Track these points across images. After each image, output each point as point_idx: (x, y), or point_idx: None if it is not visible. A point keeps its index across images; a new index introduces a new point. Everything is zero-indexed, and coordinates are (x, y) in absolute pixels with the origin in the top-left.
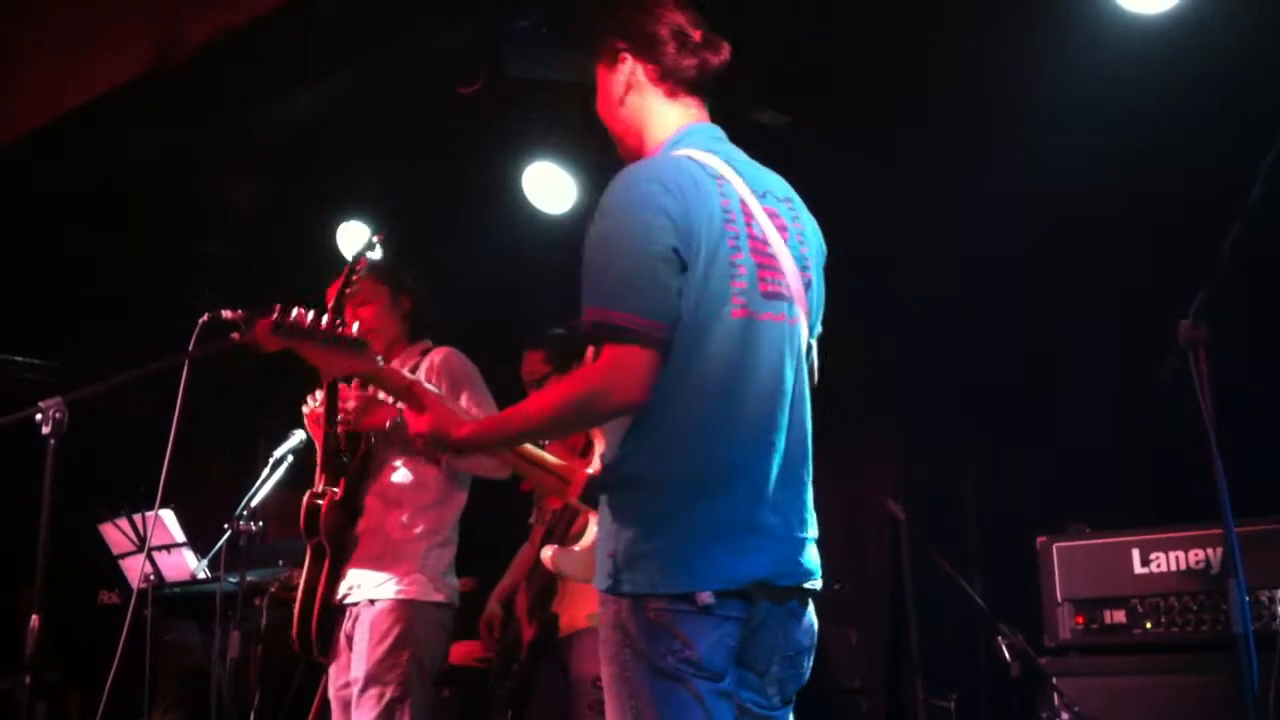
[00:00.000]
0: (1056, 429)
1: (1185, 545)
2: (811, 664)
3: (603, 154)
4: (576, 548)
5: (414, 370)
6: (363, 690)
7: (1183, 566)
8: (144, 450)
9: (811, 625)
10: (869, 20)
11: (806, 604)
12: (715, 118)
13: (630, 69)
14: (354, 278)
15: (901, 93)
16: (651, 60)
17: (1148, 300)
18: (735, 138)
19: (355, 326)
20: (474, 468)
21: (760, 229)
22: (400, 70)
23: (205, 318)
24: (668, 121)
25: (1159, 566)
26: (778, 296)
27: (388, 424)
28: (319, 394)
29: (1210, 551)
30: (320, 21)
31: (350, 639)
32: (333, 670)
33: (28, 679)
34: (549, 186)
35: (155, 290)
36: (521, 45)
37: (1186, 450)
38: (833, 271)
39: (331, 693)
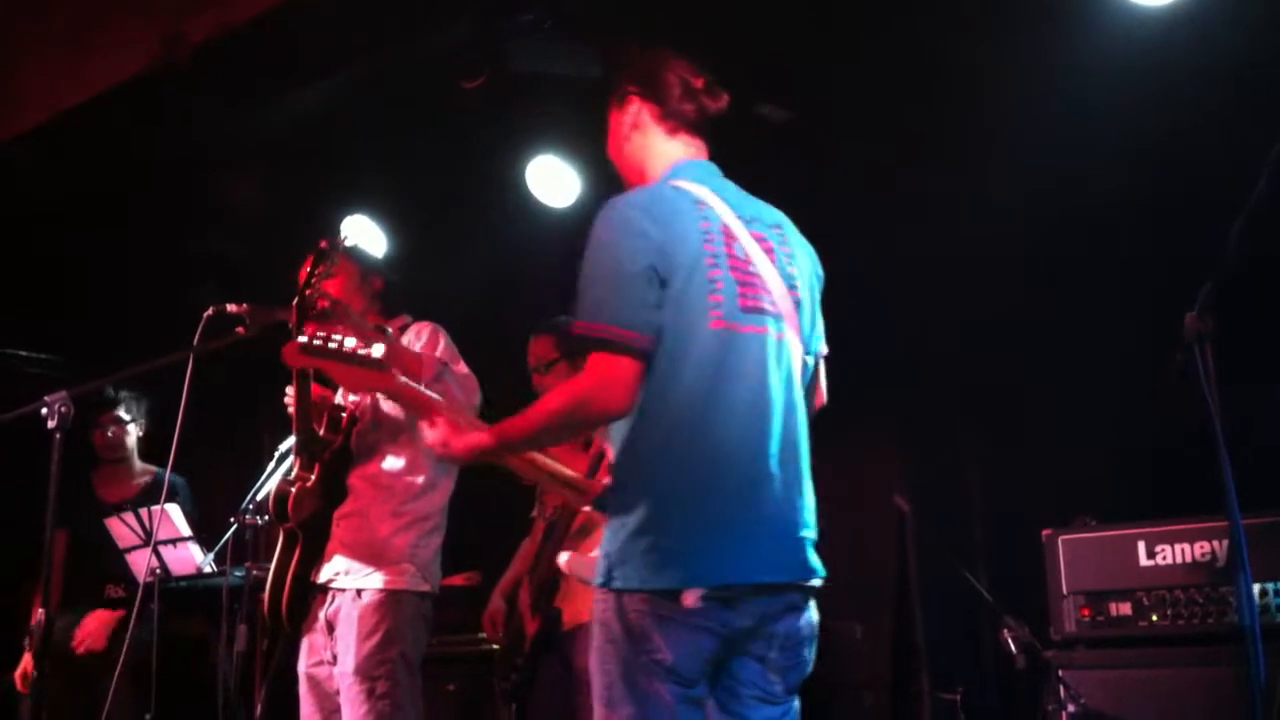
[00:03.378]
0: (1062, 422)
1: (1191, 538)
2: (813, 656)
3: (605, 149)
4: (592, 554)
5: None
6: (351, 684)
7: (1189, 559)
8: (150, 444)
9: (811, 620)
10: (869, 15)
11: (807, 600)
12: (719, 116)
13: (636, 109)
14: (324, 264)
15: (902, 89)
16: (656, 102)
17: (1153, 293)
18: (737, 132)
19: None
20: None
21: (743, 250)
22: (403, 65)
23: (210, 312)
24: (666, 156)
25: (1165, 559)
26: (759, 311)
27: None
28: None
29: (1216, 544)
30: (322, 18)
31: (331, 624)
32: (305, 646)
33: (34, 673)
34: (552, 180)
35: (159, 286)
36: (525, 40)
37: (1192, 443)
38: (835, 268)
39: (301, 668)
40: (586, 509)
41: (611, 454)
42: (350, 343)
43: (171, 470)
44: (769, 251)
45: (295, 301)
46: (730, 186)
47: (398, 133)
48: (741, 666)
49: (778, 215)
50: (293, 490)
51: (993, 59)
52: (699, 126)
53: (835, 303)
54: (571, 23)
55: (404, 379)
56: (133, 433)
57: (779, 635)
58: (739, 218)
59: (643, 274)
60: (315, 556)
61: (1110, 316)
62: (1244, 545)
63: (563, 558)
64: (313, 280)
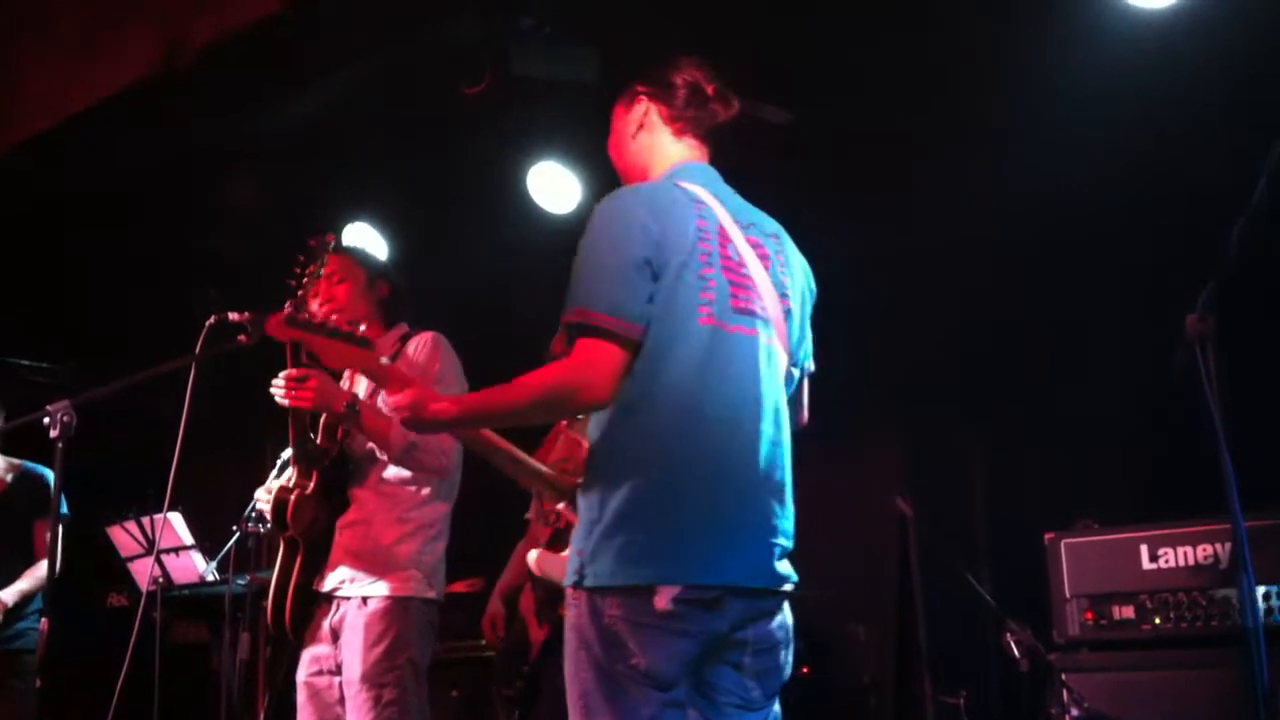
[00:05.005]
0: (1064, 424)
1: (1194, 540)
2: (791, 659)
3: (606, 154)
4: (564, 553)
5: (394, 356)
6: (358, 692)
7: (1191, 562)
8: (151, 453)
9: (785, 623)
10: (871, 14)
11: (780, 605)
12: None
13: (645, 109)
14: (315, 263)
15: (904, 88)
16: (664, 103)
17: (1154, 294)
18: (738, 131)
19: (317, 305)
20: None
21: (737, 252)
22: (404, 70)
23: (212, 320)
24: (670, 157)
25: (1167, 562)
26: (750, 313)
27: (343, 406)
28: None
29: (1219, 546)
30: (323, 22)
31: (336, 632)
32: (307, 655)
33: (38, 681)
34: (553, 186)
35: (162, 293)
36: (526, 45)
37: (1193, 444)
38: (837, 269)
39: (301, 677)
40: (560, 506)
41: (586, 447)
42: (335, 318)
43: (174, 476)
44: (764, 258)
45: (289, 304)
46: (730, 192)
47: (399, 138)
48: (719, 675)
49: (776, 226)
50: (291, 498)
51: (995, 57)
52: (707, 132)
53: (837, 304)
54: (571, 28)
55: (386, 359)
56: None
57: (751, 641)
58: (736, 222)
59: (638, 265)
60: (317, 565)
61: (1112, 318)
62: (1246, 547)
63: (531, 556)
64: (304, 280)
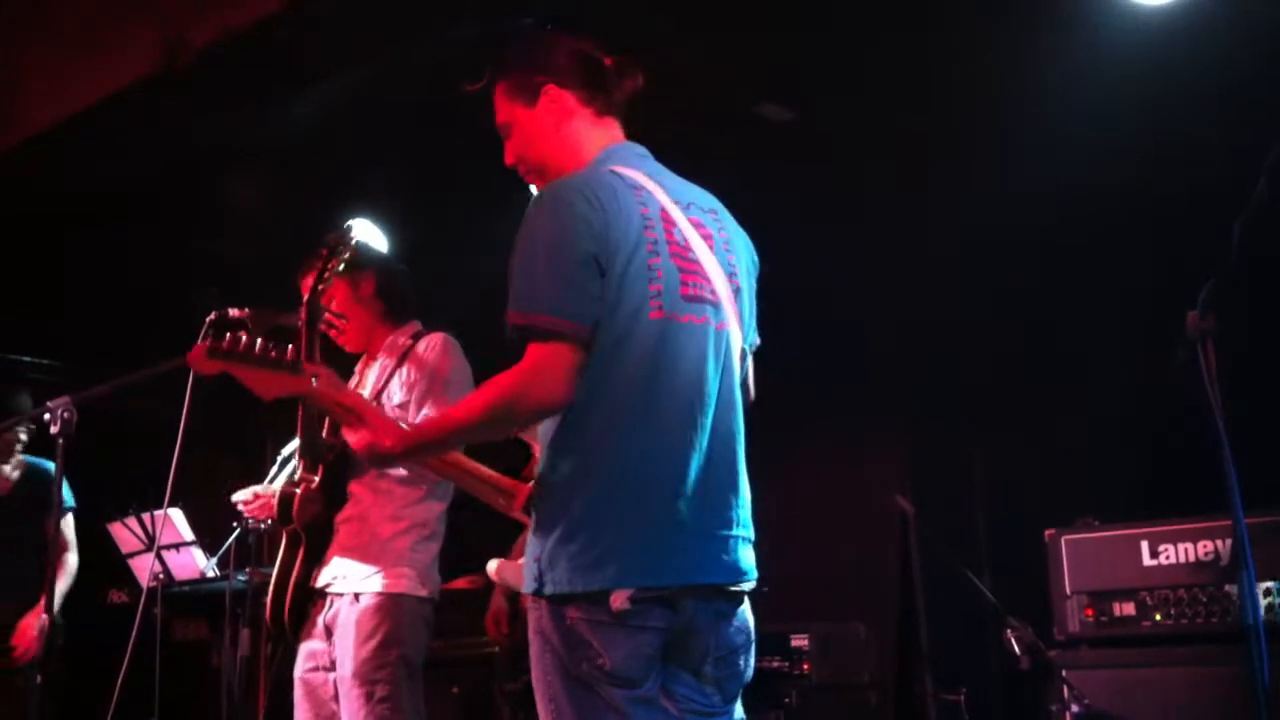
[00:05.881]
0: (1064, 422)
1: (1194, 537)
2: (753, 662)
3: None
4: (521, 560)
5: (405, 354)
6: (350, 688)
7: (1192, 559)
8: (152, 449)
9: (745, 625)
10: (872, 15)
11: (739, 604)
12: (717, 112)
13: (556, 98)
14: (336, 258)
15: (904, 89)
16: (576, 87)
17: (1155, 292)
18: (739, 132)
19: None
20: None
21: (682, 236)
22: (406, 68)
23: (212, 316)
24: (595, 143)
25: (1168, 559)
26: (700, 300)
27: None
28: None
29: (1219, 543)
30: (324, 21)
31: (330, 629)
32: (302, 651)
33: (39, 677)
34: None
35: (162, 293)
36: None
37: (1194, 442)
38: (837, 268)
39: (298, 673)
40: (516, 514)
41: (539, 452)
42: (259, 344)
43: (174, 472)
44: (707, 238)
45: (306, 299)
46: (662, 169)
47: (399, 138)
48: (678, 682)
49: (713, 200)
50: (297, 492)
51: (996, 58)
52: (618, 108)
53: (838, 303)
54: (572, 26)
55: (322, 384)
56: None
57: (711, 648)
58: (676, 202)
59: (583, 262)
60: (317, 560)
61: (1113, 315)
62: (1247, 544)
63: (491, 565)
64: (325, 275)
